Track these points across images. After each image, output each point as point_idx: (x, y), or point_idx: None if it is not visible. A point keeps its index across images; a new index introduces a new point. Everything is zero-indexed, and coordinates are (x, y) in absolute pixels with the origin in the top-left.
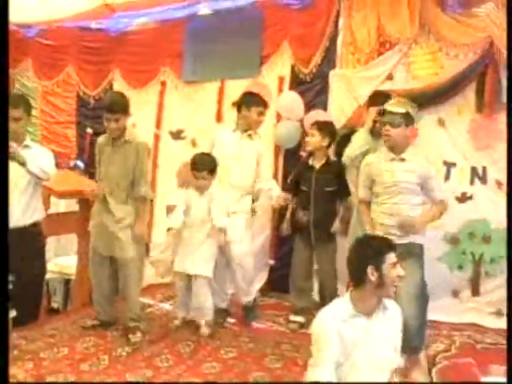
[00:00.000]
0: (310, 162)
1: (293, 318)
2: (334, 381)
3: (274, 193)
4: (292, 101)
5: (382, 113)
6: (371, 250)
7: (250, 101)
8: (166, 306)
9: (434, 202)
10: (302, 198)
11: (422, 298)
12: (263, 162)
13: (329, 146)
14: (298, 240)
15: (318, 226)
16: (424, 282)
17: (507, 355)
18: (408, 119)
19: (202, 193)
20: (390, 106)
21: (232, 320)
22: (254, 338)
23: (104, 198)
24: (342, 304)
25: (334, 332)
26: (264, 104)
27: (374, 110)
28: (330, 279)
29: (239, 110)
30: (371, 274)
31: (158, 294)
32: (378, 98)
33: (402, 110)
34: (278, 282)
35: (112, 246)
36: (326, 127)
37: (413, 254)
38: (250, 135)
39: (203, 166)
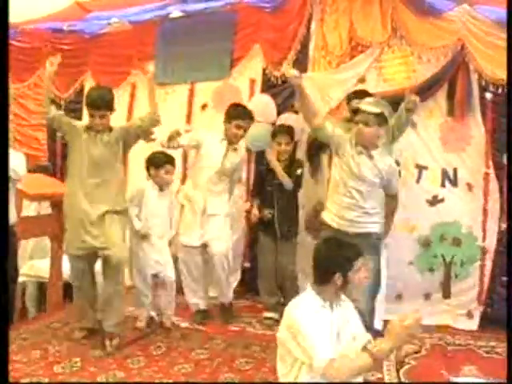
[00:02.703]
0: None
1: (267, 314)
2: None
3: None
4: (265, 104)
5: (356, 111)
6: (341, 258)
7: (232, 113)
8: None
9: (390, 194)
10: (267, 197)
11: (374, 287)
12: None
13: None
14: (264, 238)
15: (282, 224)
16: (378, 272)
17: (507, 355)
18: (381, 119)
19: (162, 190)
20: (364, 104)
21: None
22: (225, 340)
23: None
24: (311, 297)
25: (314, 320)
26: (246, 117)
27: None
28: (290, 274)
29: (225, 122)
30: (337, 279)
31: (129, 296)
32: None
33: (377, 110)
34: (251, 283)
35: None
36: (289, 131)
37: (368, 244)
38: (235, 149)
39: (167, 160)
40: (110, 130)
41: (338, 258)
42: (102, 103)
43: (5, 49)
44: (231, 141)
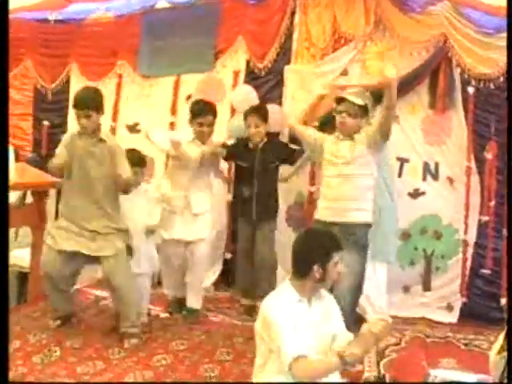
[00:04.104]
0: (251, 144)
1: (244, 301)
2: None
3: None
4: (247, 95)
5: (340, 101)
6: (320, 249)
7: (194, 111)
8: None
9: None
10: (243, 174)
11: (356, 287)
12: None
13: None
14: (242, 223)
15: (259, 201)
16: (361, 275)
17: (507, 353)
18: (364, 111)
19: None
20: (349, 95)
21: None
22: (206, 331)
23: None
24: (287, 291)
25: (289, 315)
26: (206, 113)
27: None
28: (265, 261)
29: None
30: (317, 271)
31: None
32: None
33: (361, 102)
34: (232, 274)
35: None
36: (263, 112)
37: (354, 242)
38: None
39: (134, 162)
40: (102, 140)
41: (316, 249)
42: (86, 103)
43: (5, 47)
44: (199, 139)
